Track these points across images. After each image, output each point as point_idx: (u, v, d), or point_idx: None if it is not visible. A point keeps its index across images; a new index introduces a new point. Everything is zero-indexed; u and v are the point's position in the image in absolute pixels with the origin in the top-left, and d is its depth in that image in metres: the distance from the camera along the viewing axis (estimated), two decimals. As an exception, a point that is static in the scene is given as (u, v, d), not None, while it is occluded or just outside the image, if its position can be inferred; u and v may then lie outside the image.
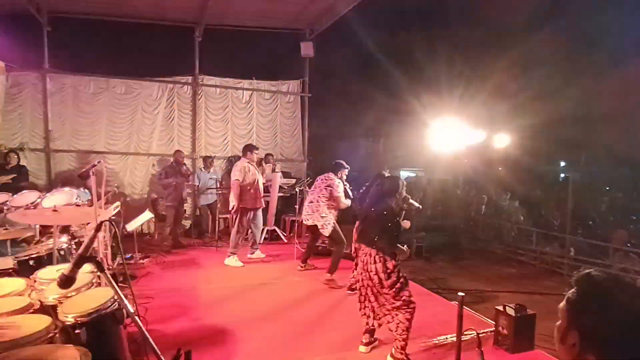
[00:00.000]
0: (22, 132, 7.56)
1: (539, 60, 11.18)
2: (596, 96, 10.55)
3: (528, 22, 9.83)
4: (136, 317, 1.59)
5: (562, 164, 16.82)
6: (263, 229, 7.63)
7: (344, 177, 5.29)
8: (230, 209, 5.97)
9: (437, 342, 3.66)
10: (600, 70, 10.50)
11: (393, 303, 3.27)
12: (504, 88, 9.90)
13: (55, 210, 3.45)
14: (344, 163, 5.31)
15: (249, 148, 6.09)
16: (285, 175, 8.70)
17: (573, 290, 1.03)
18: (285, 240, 7.55)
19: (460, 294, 2.46)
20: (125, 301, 1.59)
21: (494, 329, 3.69)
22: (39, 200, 4.39)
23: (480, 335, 1.95)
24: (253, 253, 6.24)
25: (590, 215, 9.58)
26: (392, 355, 3.29)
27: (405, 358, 3.26)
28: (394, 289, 3.24)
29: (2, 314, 2.20)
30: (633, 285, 0.99)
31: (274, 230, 7.67)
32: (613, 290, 0.97)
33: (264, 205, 6.27)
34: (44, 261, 3.30)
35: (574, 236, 7.38)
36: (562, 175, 15.94)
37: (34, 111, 7.63)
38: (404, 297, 3.24)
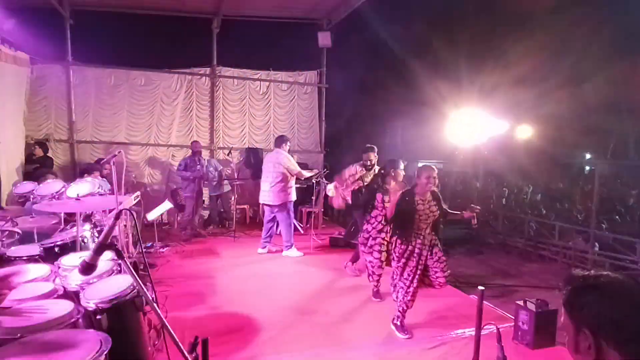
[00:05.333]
0: (48, 123, 7.78)
1: (565, 47, 10.77)
2: (626, 84, 10.11)
3: (554, 7, 9.44)
4: (155, 305, 1.60)
5: (588, 156, 16.29)
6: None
7: (371, 162, 5.08)
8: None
9: (455, 335, 3.63)
10: (631, 57, 10.04)
11: (394, 273, 3.69)
12: (527, 77, 9.58)
13: (79, 199, 3.56)
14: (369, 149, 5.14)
15: (283, 140, 6.02)
16: (302, 166, 8.67)
17: (565, 291, 1.03)
18: (302, 232, 7.57)
19: (480, 287, 2.41)
20: (144, 289, 1.61)
21: (513, 323, 3.62)
22: (63, 189, 4.51)
23: (500, 329, 1.91)
24: (265, 247, 6.19)
25: (617, 209, 9.23)
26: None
27: (398, 324, 3.58)
28: (396, 261, 3.61)
29: (28, 299, 2.27)
30: (616, 275, 1.00)
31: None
32: (601, 279, 0.99)
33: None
34: (68, 248, 3.40)
35: (599, 230, 7.13)
36: (588, 168, 15.43)
37: (58, 103, 7.82)
38: (398, 275, 3.59)
